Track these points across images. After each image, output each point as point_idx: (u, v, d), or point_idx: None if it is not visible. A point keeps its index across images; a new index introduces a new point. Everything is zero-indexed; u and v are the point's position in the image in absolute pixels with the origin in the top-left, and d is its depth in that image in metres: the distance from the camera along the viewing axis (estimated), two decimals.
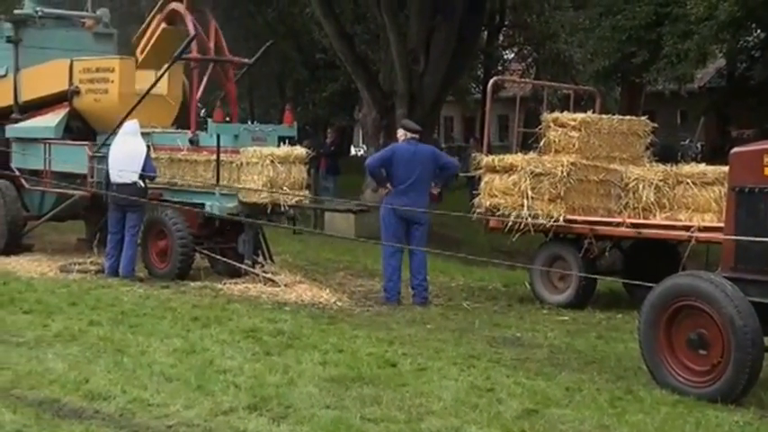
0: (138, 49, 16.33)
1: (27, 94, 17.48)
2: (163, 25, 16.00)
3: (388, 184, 13.48)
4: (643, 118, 15.01)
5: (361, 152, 39.85)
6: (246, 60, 16.78)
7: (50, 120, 17.04)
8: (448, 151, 35.60)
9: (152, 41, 16.08)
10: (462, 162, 24.79)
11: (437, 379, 8.93)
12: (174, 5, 15.86)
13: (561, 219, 13.11)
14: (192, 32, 15.28)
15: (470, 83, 41.77)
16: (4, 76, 17.82)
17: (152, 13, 16.41)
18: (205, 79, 15.65)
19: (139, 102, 15.56)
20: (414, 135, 13.73)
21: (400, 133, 13.94)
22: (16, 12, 18.75)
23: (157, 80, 15.76)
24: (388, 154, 13.83)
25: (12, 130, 17.52)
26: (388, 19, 23.20)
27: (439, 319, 12.27)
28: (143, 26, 16.46)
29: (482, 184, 13.73)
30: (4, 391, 8.37)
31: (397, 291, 13.44)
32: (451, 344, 10.59)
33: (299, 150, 14.75)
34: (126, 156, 14.80)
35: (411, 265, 13.47)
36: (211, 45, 15.77)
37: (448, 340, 10.83)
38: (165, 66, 15.75)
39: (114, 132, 15.45)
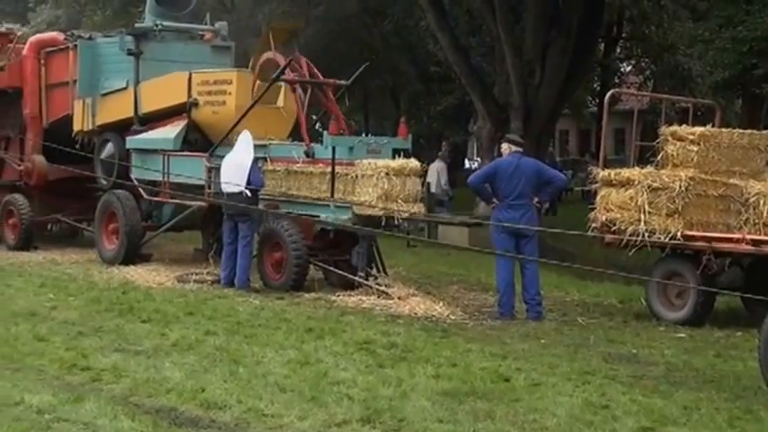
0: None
1: (147, 106, 17.77)
2: (258, 82, 16.38)
3: (494, 199, 13.49)
4: (765, 131, 14.69)
5: (476, 165, 39.74)
6: (343, 82, 17.00)
7: (169, 131, 17.29)
8: (562, 165, 35.38)
9: (253, 97, 16.38)
10: (577, 176, 24.62)
11: (551, 395, 8.85)
12: (264, 56, 16.29)
13: (679, 234, 12.90)
14: (284, 62, 15.54)
15: (587, 96, 41.41)
16: (125, 88, 18.14)
17: (250, 68, 16.77)
18: (306, 101, 16.06)
19: (243, 116, 15.79)
20: (518, 148, 13.75)
21: (504, 147, 13.98)
22: (137, 25, 19.09)
23: (258, 99, 15.91)
24: (490, 170, 13.92)
25: (132, 141, 17.81)
26: (503, 31, 23.13)
27: (553, 334, 12.15)
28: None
29: (598, 198, 13.58)
30: (123, 398, 8.51)
31: (511, 305, 13.36)
32: (566, 359, 10.48)
33: (414, 163, 14.76)
34: (233, 166, 14.99)
35: (523, 279, 13.41)
36: (306, 76, 16.19)
37: (562, 356, 10.71)
38: (265, 87, 16.01)
39: (225, 144, 15.76)
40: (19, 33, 21.25)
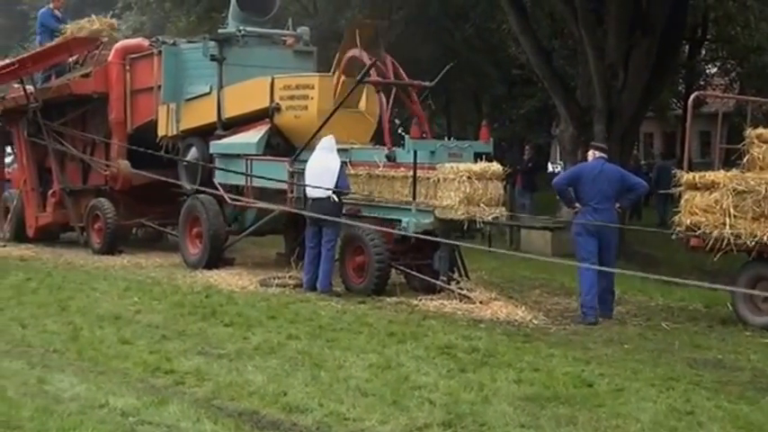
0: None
1: (230, 111, 17.89)
2: (342, 78, 16.40)
3: (577, 204, 13.54)
4: None
5: (558, 169, 39.43)
6: (427, 84, 17.13)
7: (252, 136, 17.39)
8: (647, 168, 34.98)
9: (338, 94, 16.39)
10: (662, 179, 24.31)
11: (634, 400, 8.75)
12: (349, 53, 16.29)
13: (765, 238, 12.69)
14: (369, 61, 15.55)
15: (671, 98, 40.93)
16: (209, 93, 18.30)
17: (333, 68, 16.79)
18: (390, 102, 16.19)
19: (326, 121, 15.84)
20: (602, 154, 13.84)
21: (590, 153, 14.03)
22: (220, 31, 19.25)
23: (340, 104, 15.94)
24: (575, 173, 14.07)
25: (215, 146, 17.96)
26: (585, 34, 22.92)
27: (637, 339, 12.03)
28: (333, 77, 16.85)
29: (682, 201, 13.42)
30: (206, 401, 8.57)
31: (594, 307, 13.28)
32: (650, 365, 10.37)
33: (496, 167, 14.68)
34: (320, 171, 15.02)
35: (599, 281, 13.41)
36: (390, 76, 16.27)
37: (646, 361, 10.60)
38: (349, 90, 16.06)
39: (307, 149, 15.85)
40: (105, 40, 21.48)
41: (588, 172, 13.58)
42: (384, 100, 16.11)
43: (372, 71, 15.77)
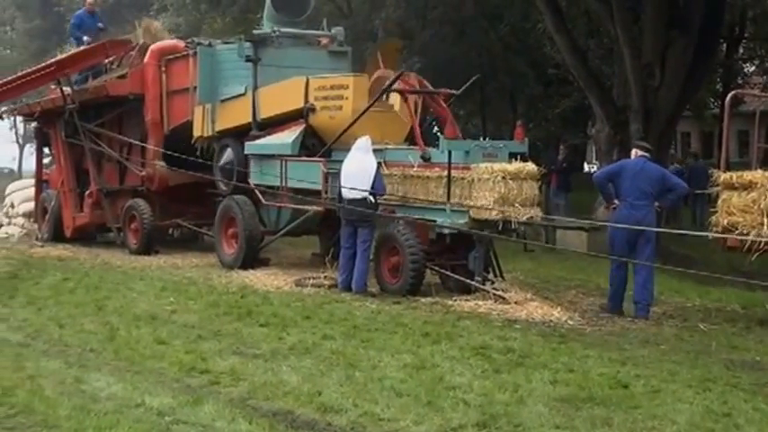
0: None
1: (265, 112, 17.92)
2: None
3: (615, 200, 13.67)
4: None
5: (594, 169, 39.23)
6: (454, 92, 17.53)
7: (287, 137, 17.40)
8: (684, 168, 34.78)
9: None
10: (693, 180, 24.18)
11: (671, 402, 8.70)
12: (375, 75, 17.12)
13: None
14: (394, 74, 16.06)
15: (708, 97, 40.66)
16: (244, 94, 18.34)
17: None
18: (419, 109, 16.78)
19: (355, 121, 15.93)
20: (644, 153, 13.94)
21: (633, 152, 14.19)
22: (255, 32, 19.28)
23: (365, 111, 15.99)
24: (616, 168, 14.23)
25: (250, 146, 17.99)
26: (621, 33, 22.82)
27: (673, 341, 11.95)
28: None
29: (719, 201, 13.34)
30: (241, 401, 8.60)
31: (619, 300, 13.52)
32: (686, 366, 10.30)
33: (531, 167, 14.63)
34: (356, 172, 15.02)
35: (636, 278, 13.44)
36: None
37: (682, 362, 10.53)
38: (374, 98, 16.24)
39: (338, 148, 16.02)
40: (140, 42, 21.60)
41: (629, 168, 13.74)
42: (413, 105, 16.35)
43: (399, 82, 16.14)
